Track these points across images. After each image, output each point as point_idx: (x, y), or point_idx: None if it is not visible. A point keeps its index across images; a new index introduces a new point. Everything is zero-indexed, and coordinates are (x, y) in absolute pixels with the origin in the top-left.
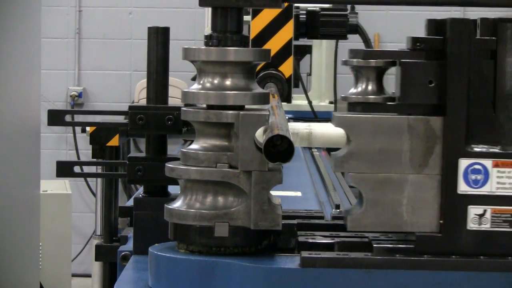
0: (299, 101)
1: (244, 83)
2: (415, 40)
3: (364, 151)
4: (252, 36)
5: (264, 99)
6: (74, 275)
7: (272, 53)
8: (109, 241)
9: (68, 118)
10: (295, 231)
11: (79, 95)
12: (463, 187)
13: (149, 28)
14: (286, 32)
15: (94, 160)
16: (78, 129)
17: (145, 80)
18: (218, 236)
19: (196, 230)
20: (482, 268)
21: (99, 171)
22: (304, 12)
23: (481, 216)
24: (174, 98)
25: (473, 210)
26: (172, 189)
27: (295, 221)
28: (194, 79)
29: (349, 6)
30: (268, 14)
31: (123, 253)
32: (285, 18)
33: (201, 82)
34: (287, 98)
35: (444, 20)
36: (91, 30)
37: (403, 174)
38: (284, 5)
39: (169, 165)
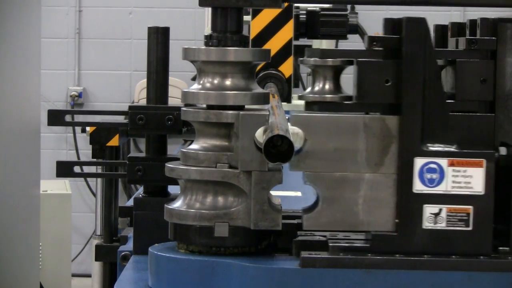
0: (299, 101)
1: (244, 83)
2: (371, 39)
3: (320, 150)
4: (252, 36)
5: (264, 99)
6: (74, 275)
7: (272, 53)
8: (109, 241)
9: (68, 118)
10: (295, 231)
11: (79, 95)
12: (418, 186)
13: (149, 28)
14: (286, 32)
15: (94, 160)
16: (78, 129)
17: (145, 80)
18: (218, 236)
19: (196, 230)
20: (438, 267)
21: (99, 171)
22: (304, 12)
23: (436, 215)
24: (174, 98)
25: (429, 209)
26: (172, 189)
27: (295, 221)
28: (194, 79)
29: (349, 6)
30: (268, 14)
31: (123, 253)
32: (285, 18)
33: (201, 82)
34: (287, 98)
35: (400, 19)
36: (91, 30)
37: (359, 173)
38: (284, 5)
39: (169, 165)
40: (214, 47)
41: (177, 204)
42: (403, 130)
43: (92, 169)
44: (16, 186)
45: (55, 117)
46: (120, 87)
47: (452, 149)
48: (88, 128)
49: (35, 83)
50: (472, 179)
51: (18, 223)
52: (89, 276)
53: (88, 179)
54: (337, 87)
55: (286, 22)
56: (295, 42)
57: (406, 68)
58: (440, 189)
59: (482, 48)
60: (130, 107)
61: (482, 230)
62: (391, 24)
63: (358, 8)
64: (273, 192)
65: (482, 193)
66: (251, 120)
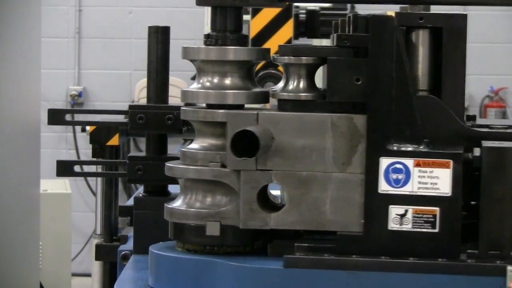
0: None
1: (244, 82)
2: (341, 37)
3: (287, 148)
4: (251, 35)
5: (263, 98)
6: (74, 275)
7: (272, 52)
8: (109, 240)
9: (68, 117)
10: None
11: (79, 95)
12: (384, 187)
13: (149, 28)
14: (286, 31)
15: (94, 159)
16: (78, 128)
17: (145, 79)
18: (210, 235)
19: (190, 229)
20: (402, 269)
21: (99, 170)
22: (304, 11)
23: (402, 216)
24: (174, 98)
25: (394, 210)
26: (173, 188)
27: None
28: (193, 78)
29: (348, 5)
30: (268, 14)
31: (123, 253)
32: (285, 17)
33: (201, 81)
34: None
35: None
36: (91, 29)
37: (327, 172)
38: (281, 4)
39: (168, 164)
40: (214, 46)
41: (177, 204)
42: (369, 129)
43: (92, 168)
44: (16, 185)
45: (55, 117)
46: (120, 86)
47: (418, 149)
48: (88, 128)
49: (35, 83)
50: (438, 180)
51: (18, 223)
52: (89, 275)
53: (88, 178)
54: (311, 85)
55: (286, 21)
56: (294, 41)
57: (371, 67)
58: (406, 190)
59: (354, 45)
60: (130, 107)
61: (449, 233)
62: (364, 22)
63: (358, 7)
64: (273, 192)
65: (449, 194)
66: (239, 119)
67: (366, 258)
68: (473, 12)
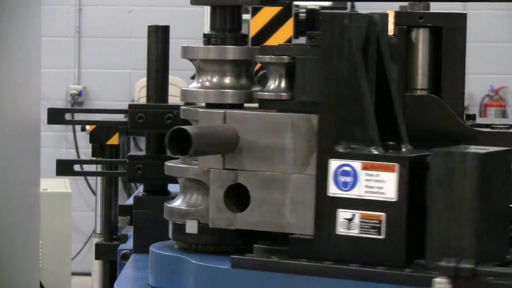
0: None
1: (243, 81)
2: (310, 36)
3: (251, 148)
4: (251, 34)
5: None
6: (74, 274)
7: None
8: (109, 239)
9: (68, 116)
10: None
11: (79, 94)
12: (332, 189)
13: (149, 27)
14: (286, 31)
15: (94, 158)
16: (78, 127)
17: (145, 78)
18: (189, 233)
19: (176, 227)
20: (347, 275)
21: (99, 169)
22: (304, 10)
23: (350, 220)
24: (174, 97)
25: (342, 214)
26: (173, 187)
27: None
28: (193, 77)
29: (349, 4)
30: (268, 13)
31: (123, 252)
32: (285, 16)
33: (200, 80)
34: None
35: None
36: (91, 28)
37: (287, 173)
38: (279, 3)
39: (168, 163)
40: (213, 46)
41: (177, 203)
42: (319, 130)
43: (92, 167)
44: (16, 185)
45: (55, 116)
46: (120, 85)
47: (365, 151)
48: (88, 127)
49: (35, 82)
50: (384, 184)
51: (18, 222)
52: (89, 274)
53: (88, 177)
54: (290, 85)
55: (286, 21)
56: (295, 41)
57: (321, 66)
58: (353, 194)
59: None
60: (130, 106)
61: (394, 240)
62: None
63: (358, 5)
64: None
65: (395, 199)
66: (208, 117)
67: (308, 263)
68: (473, 11)
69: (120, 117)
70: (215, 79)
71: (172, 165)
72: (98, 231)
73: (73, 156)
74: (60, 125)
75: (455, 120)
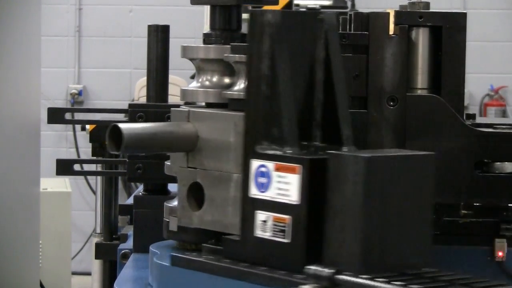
0: None
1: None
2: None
3: (207, 147)
4: None
5: None
6: (74, 273)
7: None
8: (109, 239)
9: (68, 116)
10: None
11: (79, 93)
12: (253, 190)
13: (149, 26)
14: None
15: (94, 158)
16: (78, 127)
17: (145, 78)
18: (172, 231)
19: (166, 225)
20: (254, 280)
21: (99, 169)
22: (304, 10)
23: (265, 222)
24: (174, 96)
25: (260, 216)
26: (173, 187)
27: None
28: (193, 77)
29: (349, 3)
30: None
31: (123, 251)
32: None
33: (200, 80)
34: None
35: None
36: (91, 28)
37: (230, 173)
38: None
39: (167, 163)
40: (213, 45)
41: (176, 202)
42: (245, 129)
43: (92, 167)
44: (16, 184)
45: (55, 115)
46: (120, 85)
47: (278, 152)
48: (88, 126)
49: (35, 81)
50: (290, 186)
51: (18, 221)
52: (89, 274)
53: (88, 177)
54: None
55: None
56: None
57: (246, 64)
58: (267, 195)
59: (354, 42)
60: (130, 105)
61: (296, 244)
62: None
63: (359, 5)
64: None
65: (297, 202)
66: (174, 116)
67: (225, 264)
68: (473, 11)
69: (120, 117)
70: (215, 79)
71: (170, 164)
72: (98, 230)
73: (73, 156)
74: (60, 124)
75: (457, 120)
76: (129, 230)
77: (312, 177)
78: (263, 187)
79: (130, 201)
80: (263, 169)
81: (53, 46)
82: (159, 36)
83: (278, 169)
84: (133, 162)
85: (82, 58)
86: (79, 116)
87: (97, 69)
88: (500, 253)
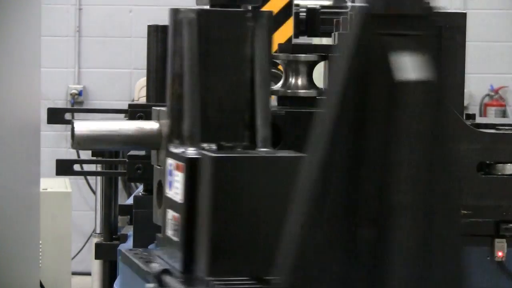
0: None
1: None
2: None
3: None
4: None
5: None
6: (74, 273)
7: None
8: (109, 239)
9: (68, 116)
10: None
11: (79, 93)
12: (167, 189)
13: (149, 26)
14: (286, 30)
15: (94, 158)
16: None
17: (145, 78)
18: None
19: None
20: (141, 275)
21: (99, 169)
22: (304, 9)
23: (170, 221)
24: None
25: (168, 215)
26: None
27: None
28: None
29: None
30: None
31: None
32: (285, 15)
33: None
34: None
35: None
36: (91, 28)
37: None
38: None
39: None
40: None
41: None
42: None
43: (92, 167)
44: (16, 184)
45: (55, 115)
46: (120, 85)
47: (178, 149)
48: None
49: (35, 81)
50: (179, 184)
51: (18, 221)
52: (89, 274)
53: (88, 177)
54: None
55: (286, 20)
56: (295, 40)
57: (167, 63)
58: (170, 194)
59: None
60: (130, 105)
61: (181, 243)
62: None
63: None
64: None
65: (181, 201)
66: (153, 114)
67: (135, 260)
68: (473, 11)
69: (120, 117)
70: None
71: None
72: (98, 230)
73: (73, 156)
74: (60, 124)
75: (458, 120)
76: (129, 230)
77: (193, 176)
78: (170, 186)
79: (130, 201)
80: (170, 167)
81: (53, 46)
82: (159, 36)
83: (176, 167)
84: (133, 162)
85: (82, 58)
86: (79, 116)
87: (97, 69)
88: (500, 253)
